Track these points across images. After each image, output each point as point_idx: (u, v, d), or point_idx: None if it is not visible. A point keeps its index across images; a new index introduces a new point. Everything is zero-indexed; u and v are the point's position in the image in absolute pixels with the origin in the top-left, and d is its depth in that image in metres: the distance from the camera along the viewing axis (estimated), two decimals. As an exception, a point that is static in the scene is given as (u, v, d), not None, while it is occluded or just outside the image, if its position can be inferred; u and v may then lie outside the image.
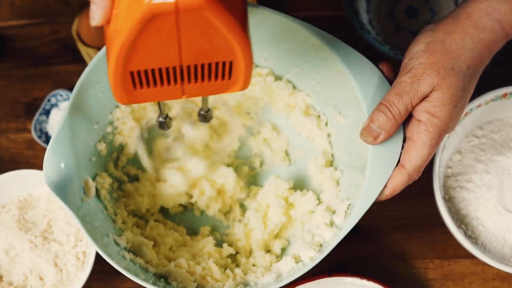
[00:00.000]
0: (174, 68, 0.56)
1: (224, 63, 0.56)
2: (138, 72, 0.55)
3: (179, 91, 0.58)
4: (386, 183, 0.69)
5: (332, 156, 0.83)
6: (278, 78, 0.84)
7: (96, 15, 0.54)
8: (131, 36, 0.52)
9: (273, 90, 0.84)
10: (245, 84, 0.59)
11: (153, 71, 0.56)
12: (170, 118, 0.74)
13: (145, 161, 0.80)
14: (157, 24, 0.52)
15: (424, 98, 0.67)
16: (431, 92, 0.66)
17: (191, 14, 0.51)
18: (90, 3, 0.54)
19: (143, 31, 0.52)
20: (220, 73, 0.57)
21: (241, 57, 0.56)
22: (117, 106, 0.80)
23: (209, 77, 0.57)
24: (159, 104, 0.70)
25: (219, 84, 0.58)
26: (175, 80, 0.57)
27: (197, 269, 0.76)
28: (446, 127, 0.67)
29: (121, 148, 0.84)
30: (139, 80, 0.56)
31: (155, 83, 0.57)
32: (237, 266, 0.81)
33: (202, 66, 0.56)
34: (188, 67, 0.56)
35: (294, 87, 0.84)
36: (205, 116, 0.74)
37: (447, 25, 0.68)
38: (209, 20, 0.52)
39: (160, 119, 0.73)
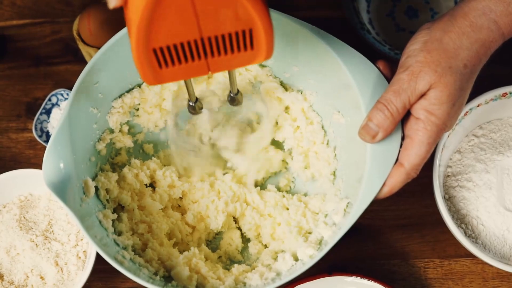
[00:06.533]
0: (195, 42, 0.56)
1: (244, 32, 0.56)
2: (161, 49, 0.56)
3: (205, 67, 0.59)
4: (385, 181, 0.69)
5: (332, 154, 0.83)
6: (277, 77, 0.84)
7: None
8: (146, 12, 0.53)
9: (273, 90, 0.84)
10: (269, 53, 0.59)
11: (175, 47, 0.56)
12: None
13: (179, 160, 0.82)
14: None
15: (421, 96, 0.67)
16: (428, 90, 0.66)
17: None
18: None
19: (157, 5, 0.52)
20: (241, 43, 0.57)
21: (259, 23, 0.56)
22: (113, 107, 0.81)
23: (232, 48, 0.57)
24: (187, 88, 0.70)
25: (242, 55, 0.58)
26: (199, 55, 0.57)
27: (196, 268, 0.76)
28: (444, 125, 0.67)
29: (120, 148, 0.84)
30: (163, 58, 0.57)
31: (179, 60, 0.57)
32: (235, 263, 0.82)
33: (223, 37, 0.56)
34: (210, 40, 0.56)
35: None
36: (234, 99, 0.74)
37: (444, 24, 0.68)
38: None
39: (191, 103, 0.73)
